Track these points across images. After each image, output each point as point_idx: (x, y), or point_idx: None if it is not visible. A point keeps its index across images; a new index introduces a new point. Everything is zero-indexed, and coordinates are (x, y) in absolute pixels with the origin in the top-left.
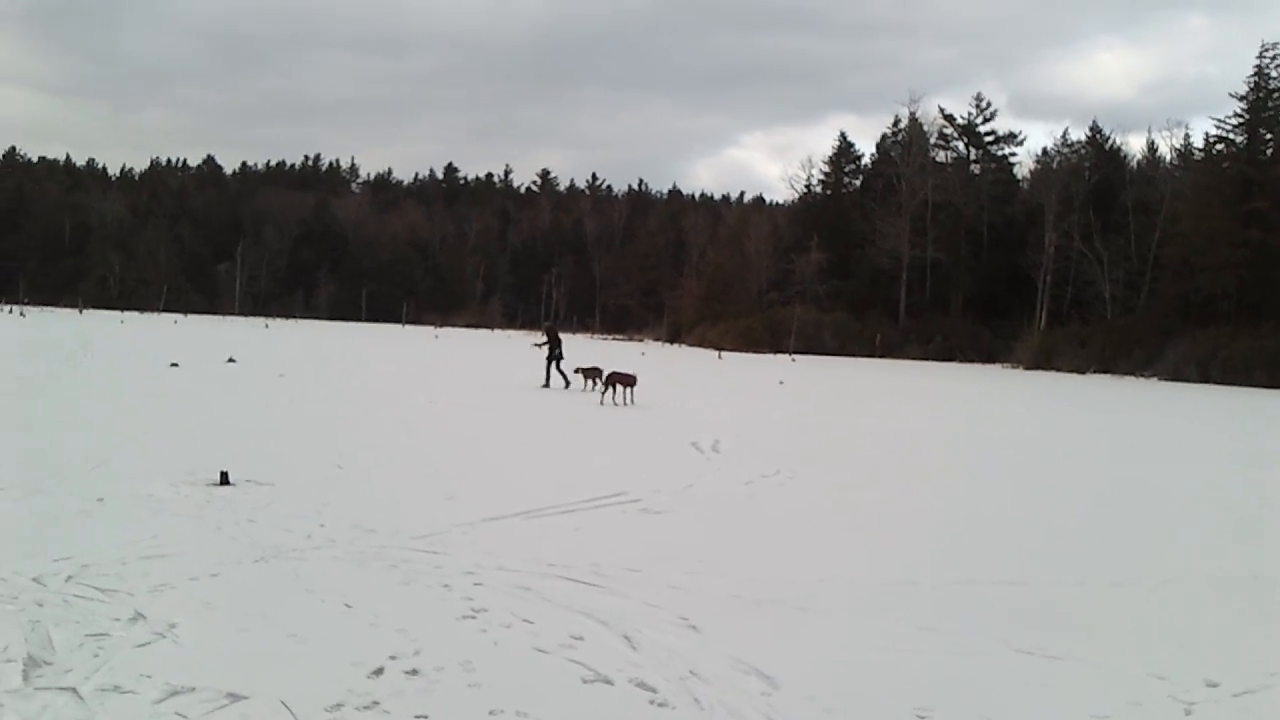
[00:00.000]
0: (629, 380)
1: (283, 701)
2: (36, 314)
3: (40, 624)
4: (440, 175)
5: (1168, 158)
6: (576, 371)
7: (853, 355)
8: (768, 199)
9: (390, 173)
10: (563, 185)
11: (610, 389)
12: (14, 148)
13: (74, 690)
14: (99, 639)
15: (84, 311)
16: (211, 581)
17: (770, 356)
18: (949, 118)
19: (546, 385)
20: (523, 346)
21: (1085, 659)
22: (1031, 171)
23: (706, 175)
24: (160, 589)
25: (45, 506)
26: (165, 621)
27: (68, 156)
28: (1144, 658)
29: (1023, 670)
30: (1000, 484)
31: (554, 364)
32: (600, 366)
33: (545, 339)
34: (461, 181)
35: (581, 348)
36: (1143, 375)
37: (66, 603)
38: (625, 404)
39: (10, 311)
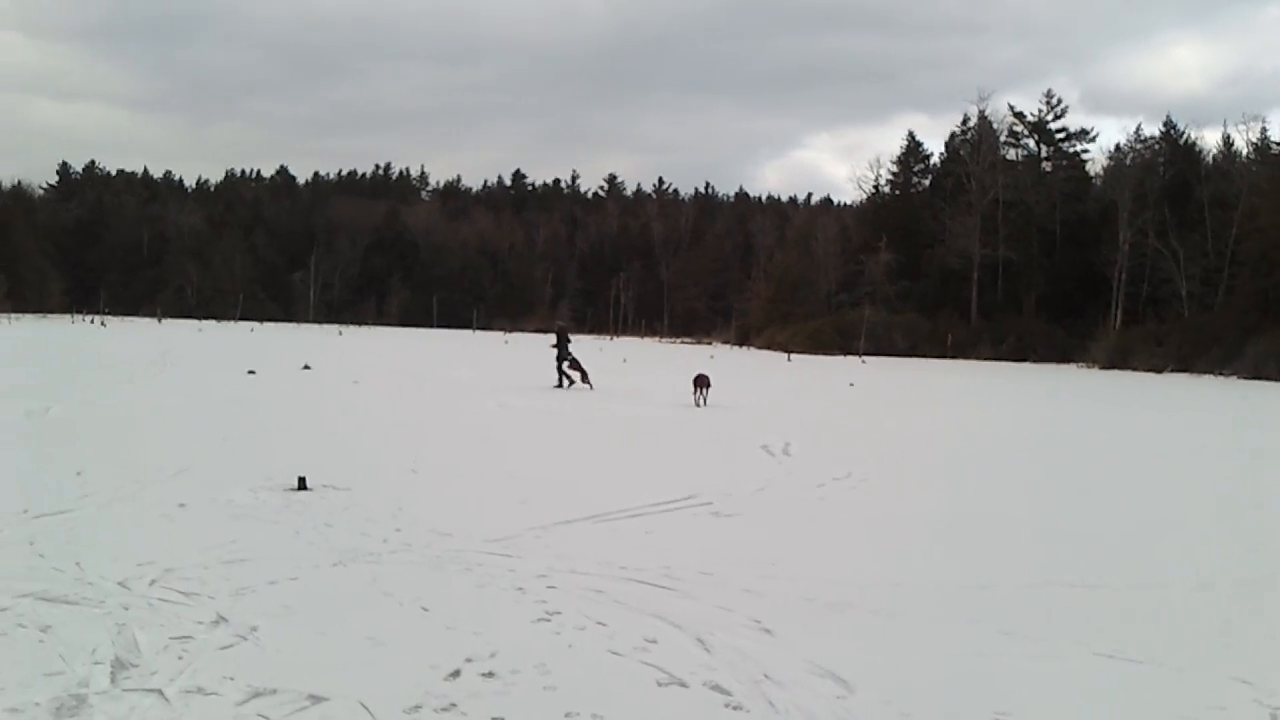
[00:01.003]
0: (706, 381)
1: (362, 703)
2: (117, 324)
3: (126, 627)
4: (508, 182)
5: (1244, 152)
6: (572, 368)
7: (924, 356)
8: (835, 200)
9: (459, 180)
10: (629, 189)
11: (697, 390)
12: (93, 161)
13: (160, 692)
14: (183, 641)
15: (163, 321)
16: (291, 585)
17: (840, 358)
18: (1019, 115)
19: (559, 385)
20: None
21: (1166, 663)
22: (1104, 168)
23: (773, 177)
24: (241, 592)
25: (129, 512)
26: (247, 624)
27: (145, 169)
28: (1228, 662)
29: (1103, 674)
30: (1078, 485)
31: (561, 363)
32: (584, 367)
33: (556, 339)
34: (529, 188)
35: (650, 352)
36: (1222, 374)
37: (151, 606)
38: (703, 405)
39: (92, 322)
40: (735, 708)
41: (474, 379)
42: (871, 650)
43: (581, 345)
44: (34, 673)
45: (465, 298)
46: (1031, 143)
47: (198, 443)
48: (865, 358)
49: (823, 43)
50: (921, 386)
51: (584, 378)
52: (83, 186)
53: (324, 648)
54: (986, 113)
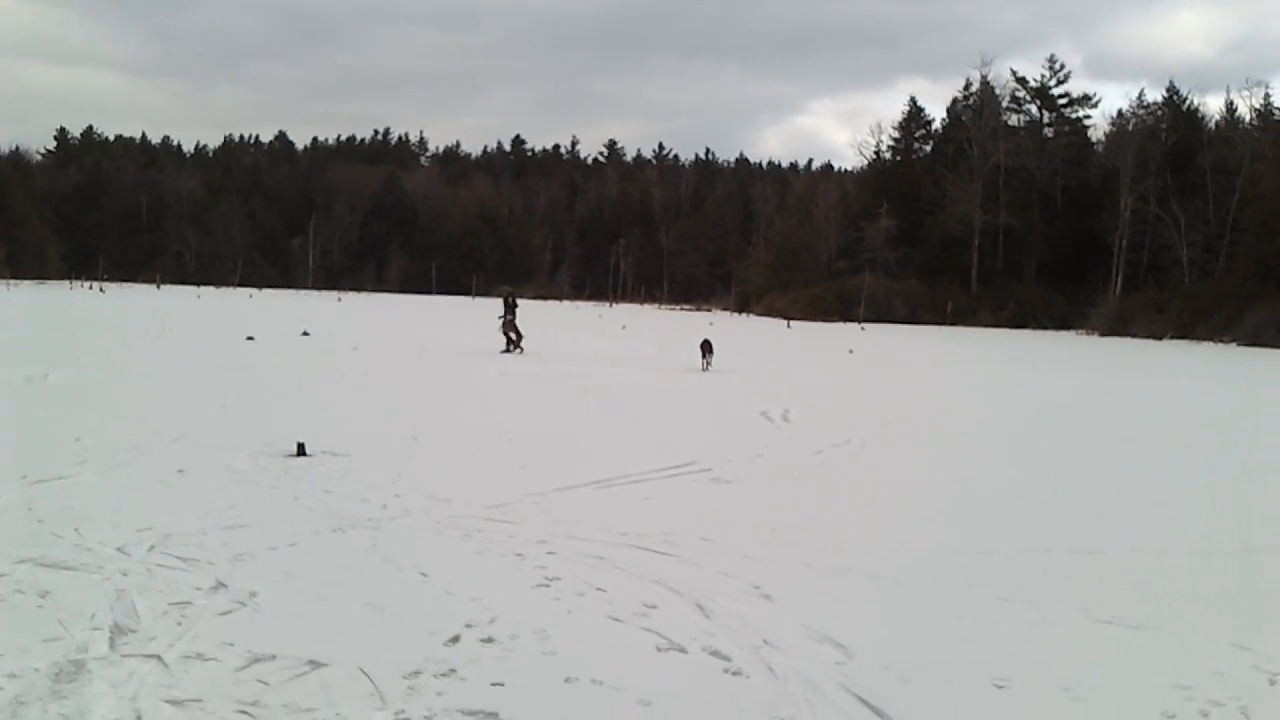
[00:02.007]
0: (709, 347)
1: (362, 669)
2: (116, 290)
3: (125, 593)
4: (508, 147)
5: (1247, 118)
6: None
7: (924, 323)
8: (836, 166)
9: (459, 145)
10: (629, 155)
11: (704, 356)
12: (91, 126)
13: (159, 657)
14: (182, 607)
15: (161, 287)
16: (290, 551)
17: (840, 325)
18: (1021, 80)
19: (507, 350)
20: (590, 318)
21: (1166, 628)
22: (1106, 134)
23: (775, 143)
24: (240, 558)
25: (128, 478)
26: (246, 590)
27: (143, 135)
28: (1226, 627)
29: (1102, 640)
30: (1077, 452)
31: (507, 329)
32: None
33: (504, 305)
34: (529, 153)
35: (649, 318)
36: (1221, 341)
37: (150, 572)
38: (707, 370)
39: (90, 288)
40: (735, 673)
41: (473, 346)
42: (871, 616)
43: (581, 312)
44: (33, 638)
45: (464, 264)
46: (1034, 108)
47: (197, 409)
48: (865, 325)
49: (826, 6)
50: (921, 353)
51: (513, 342)
52: (80, 152)
53: (323, 613)
54: (989, 78)
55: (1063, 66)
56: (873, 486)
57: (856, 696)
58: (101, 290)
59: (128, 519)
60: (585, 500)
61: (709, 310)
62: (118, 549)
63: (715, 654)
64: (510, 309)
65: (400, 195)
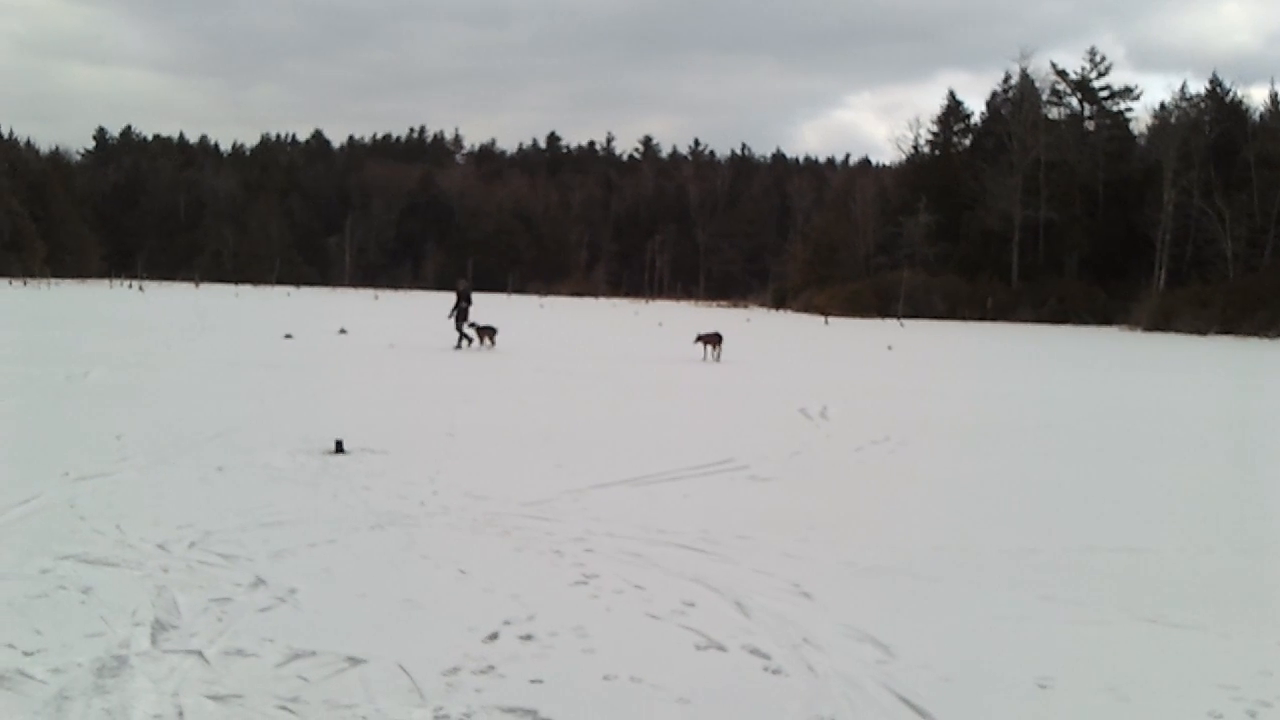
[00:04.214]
0: (713, 339)
1: (401, 665)
2: (155, 289)
3: (166, 589)
4: (543, 144)
5: None
6: (475, 329)
7: (963, 319)
8: (874, 161)
9: (494, 143)
10: (665, 152)
11: (705, 346)
12: (130, 126)
13: (200, 653)
14: (222, 604)
15: (200, 285)
16: (329, 548)
17: (878, 321)
18: (1061, 73)
19: (459, 346)
20: (626, 315)
21: (1211, 628)
22: (1149, 127)
23: (812, 138)
24: (280, 555)
25: (168, 476)
26: (285, 587)
27: (181, 134)
28: (1274, 627)
29: (1147, 639)
30: (1120, 450)
31: (460, 323)
32: (494, 326)
33: (457, 299)
34: (564, 150)
35: (685, 315)
36: (1267, 336)
37: (190, 569)
38: (713, 360)
39: (130, 287)
40: (774, 671)
41: (509, 343)
42: (912, 615)
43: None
44: (76, 634)
45: (500, 261)
46: (1074, 101)
47: (235, 407)
48: (903, 321)
49: None
50: (961, 349)
51: (486, 336)
52: (119, 152)
53: (362, 610)
54: (1029, 71)
55: (1104, 59)
56: (913, 484)
57: (898, 696)
58: (141, 289)
59: (168, 516)
60: (623, 498)
61: (745, 307)
62: (159, 546)
63: (755, 652)
64: (465, 303)
65: (436, 193)
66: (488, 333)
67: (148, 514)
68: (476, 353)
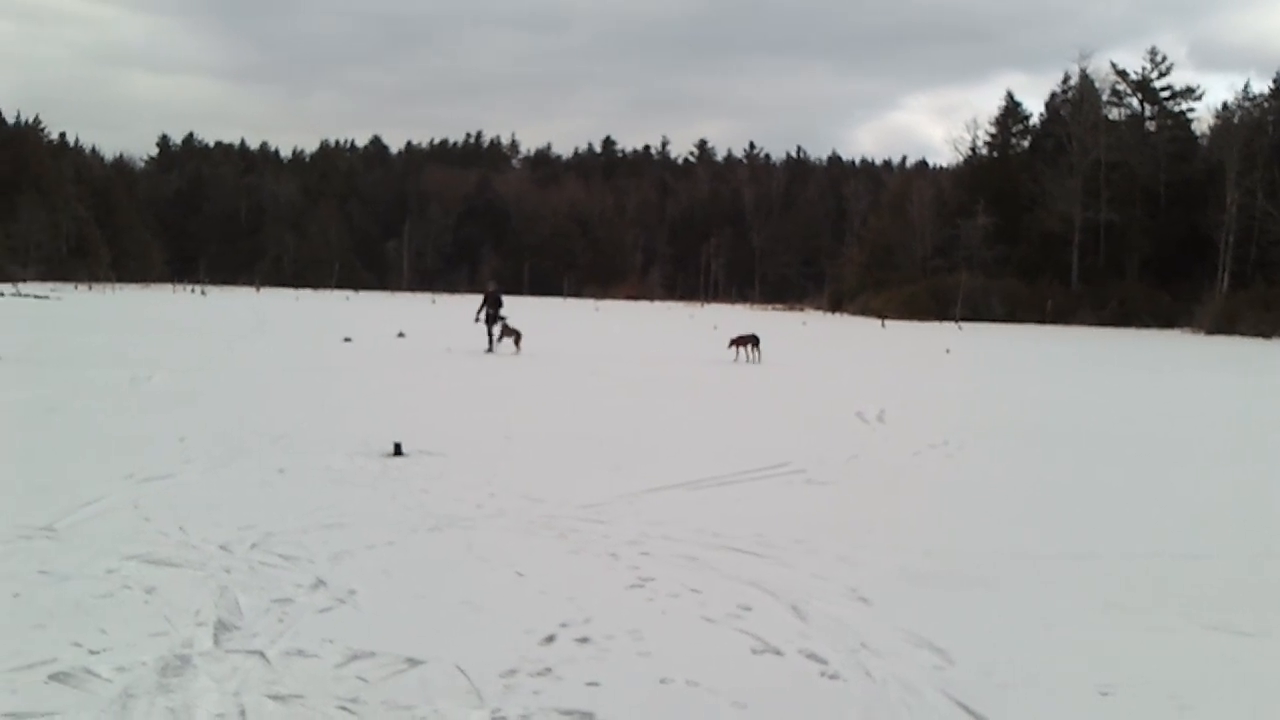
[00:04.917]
0: (749, 340)
1: (459, 667)
2: (216, 293)
3: (229, 590)
4: (599, 148)
5: None
6: (503, 328)
7: (1022, 322)
8: (931, 163)
9: (550, 147)
10: (720, 155)
11: (737, 349)
12: (192, 133)
13: (261, 653)
14: (283, 604)
15: (261, 290)
16: (388, 550)
17: (936, 325)
18: (1122, 73)
19: (490, 349)
20: (682, 318)
21: (1275, 635)
22: (1211, 127)
23: (868, 140)
24: (339, 556)
25: (230, 478)
26: (345, 588)
27: (242, 140)
28: None
29: (1210, 647)
30: (1183, 454)
31: (491, 325)
32: (519, 330)
33: (484, 302)
34: (620, 154)
35: (741, 319)
36: None
37: (252, 569)
38: (753, 362)
39: (192, 291)
40: (831, 676)
41: (566, 347)
42: (970, 621)
43: (672, 312)
44: (140, 633)
45: (556, 265)
46: (1135, 102)
47: (296, 409)
48: (962, 324)
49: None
50: (1020, 353)
51: (513, 338)
52: (182, 158)
53: (421, 611)
54: (1088, 71)
55: (1164, 58)
56: (971, 489)
57: (957, 702)
58: (203, 293)
59: (230, 517)
60: (678, 501)
61: (801, 310)
62: (221, 546)
63: (811, 657)
64: (492, 304)
65: (492, 197)
66: (513, 335)
67: (210, 515)
68: (531, 357)
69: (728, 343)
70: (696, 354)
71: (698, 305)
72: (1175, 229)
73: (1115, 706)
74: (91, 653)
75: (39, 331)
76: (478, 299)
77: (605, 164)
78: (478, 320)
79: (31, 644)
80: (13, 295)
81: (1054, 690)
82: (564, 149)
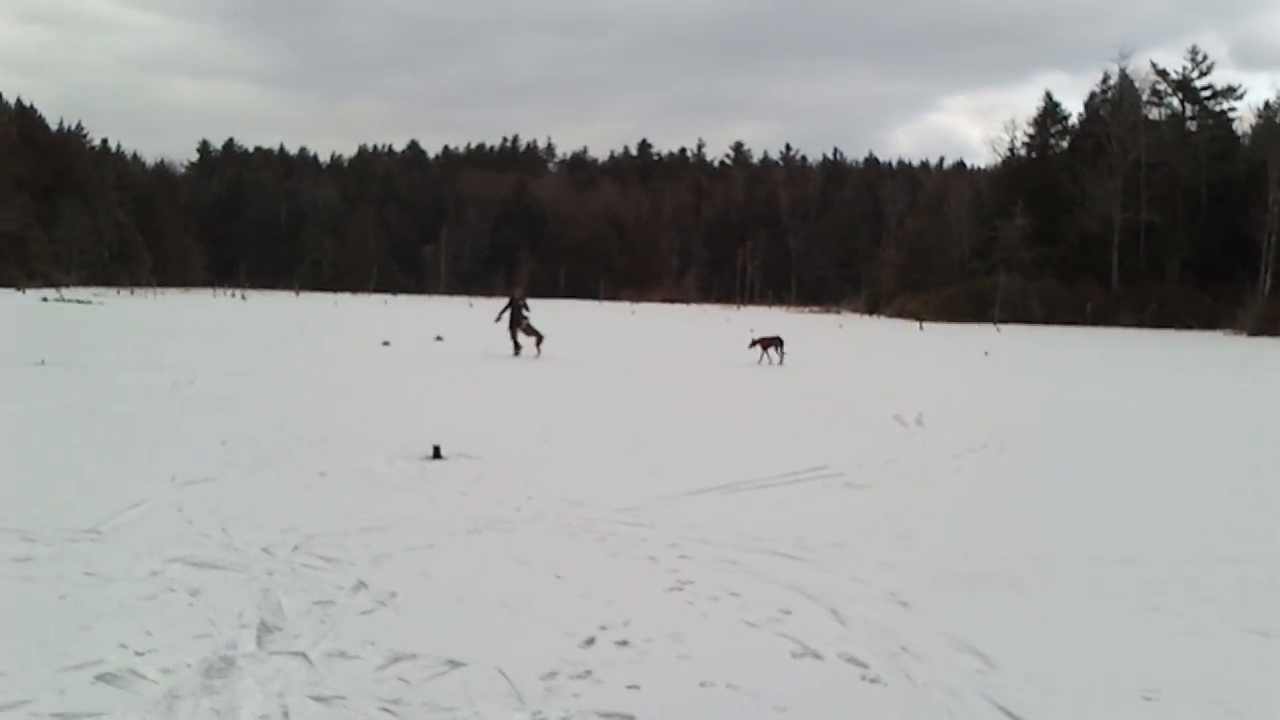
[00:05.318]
0: (773, 341)
1: (499, 669)
2: (256, 297)
3: (271, 592)
4: (634, 152)
5: None
6: (526, 328)
7: (1062, 324)
8: (968, 164)
9: (586, 151)
10: (756, 157)
11: (763, 351)
12: (232, 139)
13: (304, 655)
14: (325, 606)
15: (300, 294)
16: (428, 552)
17: (974, 327)
18: (1162, 73)
19: (516, 353)
20: (717, 321)
21: None
22: (1253, 126)
23: (905, 141)
24: (380, 559)
25: (272, 481)
26: (386, 590)
27: (281, 146)
28: None
29: (1256, 652)
30: (1226, 458)
31: (514, 329)
32: (540, 331)
33: (508, 306)
34: (656, 157)
35: (777, 321)
36: None
37: (294, 571)
38: (776, 364)
39: (232, 295)
40: (872, 681)
41: (602, 351)
42: (1012, 625)
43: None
44: (184, 635)
45: (592, 268)
46: (1175, 101)
47: (335, 412)
48: (1000, 326)
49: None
50: (1059, 355)
51: (535, 339)
52: (222, 163)
53: (461, 614)
54: (1128, 71)
55: (1205, 58)
56: (1012, 492)
57: (999, 707)
58: (243, 298)
59: (272, 520)
60: (716, 504)
61: (838, 313)
62: (263, 549)
63: (852, 661)
64: (516, 310)
65: (529, 201)
66: (534, 335)
67: (252, 518)
68: (568, 360)
69: (749, 342)
70: (732, 357)
71: (734, 308)
72: (1216, 230)
73: (1161, 712)
74: (137, 654)
75: (82, 336)
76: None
77: (641, 167)
78: (499, 320)
79: (78, 645)
80: (56, 300)
81: (1098, 695)
82: (600, 152)
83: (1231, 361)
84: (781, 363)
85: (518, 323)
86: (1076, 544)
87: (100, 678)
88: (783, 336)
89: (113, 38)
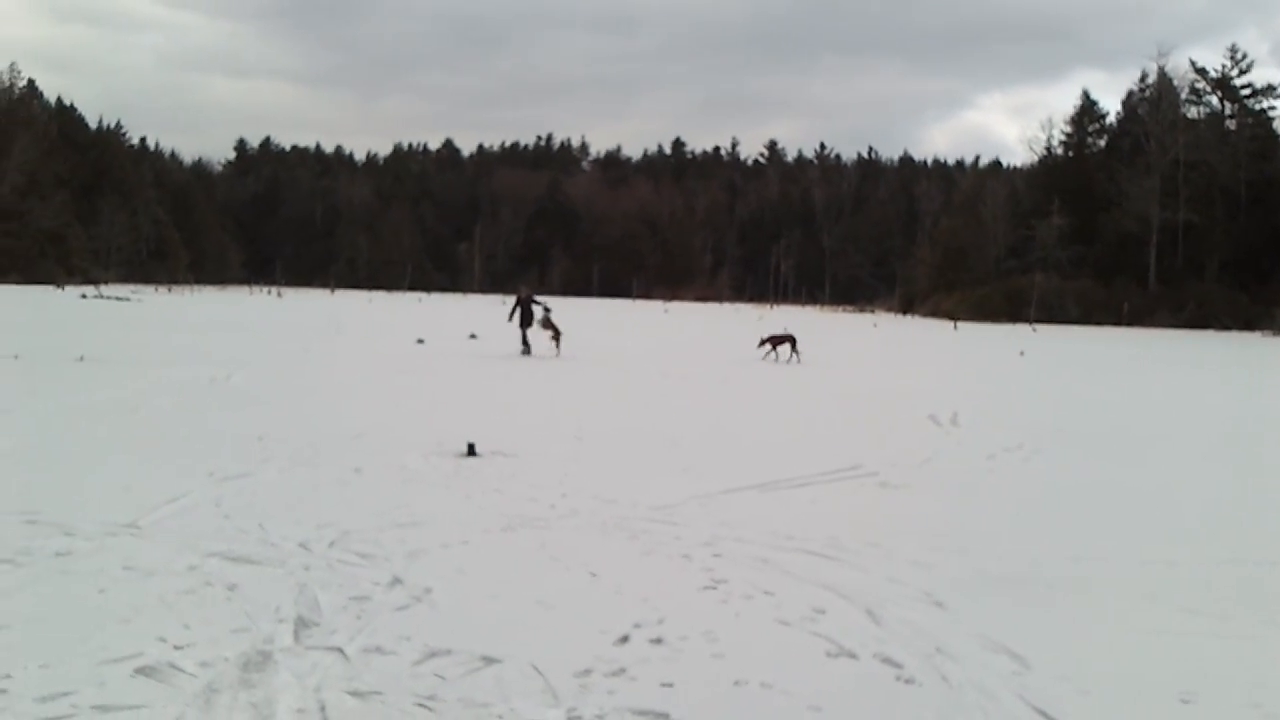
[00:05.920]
0: (785, 339)
1: (534, 665)
2: (292, 295)
3: (308, 587)
4: (668, 150)
5: None
6: (545, 323)
7: (1098, 324)
8: (1004, 163)
9: (619, 149)
10: (790, 156)
11: (772, 348)
12: (269, 138)
13: (340, 650)
14: (361, 602)
15: (335, 292)
16: (463, 548)
17: (1009, 327)
18: (1201, 71)
19: (525, 352)
20: (751, 320)
21: None
22: None
23: (941, 140)
24: (415, 555)
25: (308, 477)
26: (421, 586)
27: (317, 144)
28: None
29: None
30: (1262, 460)
31: (525, 328)
32: (559, 327)
33: (516, 304)
34: (689, 156)
35: (811, 321)
36: None
37: (330, 567)
38: (790, 362)
39: (268, 293)
40: (907, 681)
41: (635, 348)
42: (1047, 626)
43: (741, 314)
44: (223, 629)
45: (625, 266)
46: (1215, 100)
47: (371, 409)
48: (1036, 326)
49: None
50: (1096, 356)
51: (553, 335)
52: (259, 161)
53: (496, 610)
54: (1166, 69)
55: (1245, 56)
56: (1048, 492)
57: (1035, 708)
58: (279, 295)
59: (308, 515)
60: (750, 503)
61: (872, 312)
62: (300, 544)
63: (887, 661)
64: (526, 310)
65: (562, 200)
66: (552, 330)
67: (289, 513)
68: (601, 358)
69: (759, 341)
70: (767, 355)
71: (767, 307)
72: (1256, 230)
73: (1198, 714)
74: (176, 648)
75: (120, 332)
76: (547, 300)
77: (675, 165)
78: (510, 320)
79: (118, 638)
80: (94, 297)
81: (1134, 697)
82: (634, 150)
83: (1271, 363)
84: (799, 360)
85: (528, 322)
86: (1113, 545)
87: (140, 670)
88: (795, 335)
89: (151, 36)
